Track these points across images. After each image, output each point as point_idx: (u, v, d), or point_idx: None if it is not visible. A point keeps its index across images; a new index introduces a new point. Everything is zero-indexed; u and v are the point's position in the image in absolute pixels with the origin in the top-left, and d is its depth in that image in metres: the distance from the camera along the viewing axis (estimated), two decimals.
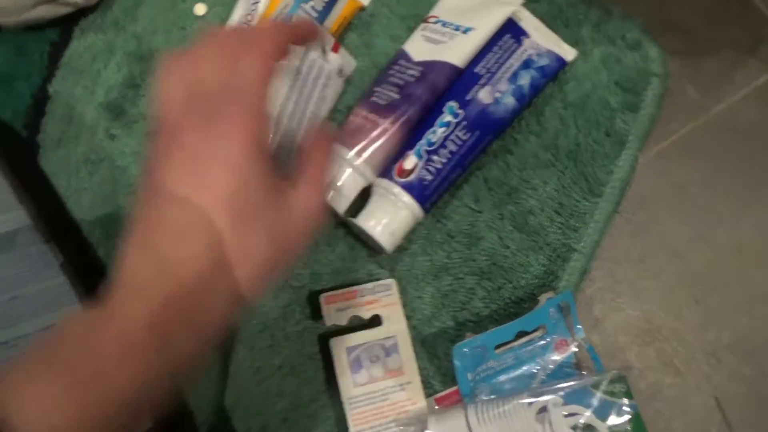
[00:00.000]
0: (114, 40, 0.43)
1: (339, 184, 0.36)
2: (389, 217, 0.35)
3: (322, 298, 0.36)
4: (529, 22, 0.38)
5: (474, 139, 0.36)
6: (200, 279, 0.22)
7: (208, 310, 0.23)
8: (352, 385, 0.35)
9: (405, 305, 0.37)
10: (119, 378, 0.20)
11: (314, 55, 0.37)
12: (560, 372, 0.34)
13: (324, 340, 0.37)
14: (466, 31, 0.37)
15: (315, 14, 0.39)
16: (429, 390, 0.36)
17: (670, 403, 0.35)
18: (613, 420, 0.32)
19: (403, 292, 0.37)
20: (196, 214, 0.23)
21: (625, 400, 0.32)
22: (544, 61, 0.37)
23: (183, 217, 0.23)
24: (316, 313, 0.38)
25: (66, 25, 0.44)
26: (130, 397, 0.20)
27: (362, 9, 0.41)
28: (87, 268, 0.37)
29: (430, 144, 0.36)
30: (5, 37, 0.44)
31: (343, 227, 0.39)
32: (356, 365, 0.35)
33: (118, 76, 0.42)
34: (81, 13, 0.43)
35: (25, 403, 0.18)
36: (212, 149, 0.23)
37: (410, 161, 0.35)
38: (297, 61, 0.36)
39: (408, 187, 0.35)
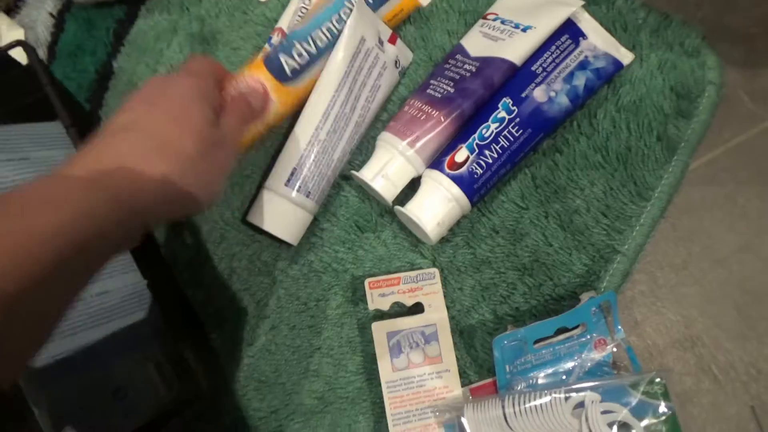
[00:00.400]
0: (178, 20, 0.44)
1: (389, 172, 0.37)
2: (437, 208, 0.36)
3: (367, 282, 0.37)
4: (587, 23, 0.38)
5: (526, 136, 0.36)
6: (135, 155, 0.27)
7: (142, 184, 0.27)
8: (390, 369, 0.36)
9: (445, 296, 0.38)
10: (52, 213, 0.23)
11: (370, 44, 0.38)
12: (597, 370, 0.35)
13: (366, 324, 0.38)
14: (525, 29, 0.37)
15: (370, 0, 0.40)
16: (464, 380, 0.37)
17: (706, 409, 0.35)
18: (649, 420, 0.32)
19: (443, 282, 0.38)
20: (141, 121, 0.29)
21: (663, 402, 0.32)
22: (600, 64, 0.37)
23: (128, 120, 0.29)
24: (358, 298, 0.39)
25: (133, 3, 0.45)
26: (65, 230, 0.23)
27: (420, 6, 0.42)
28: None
29: (483, 139, 0.36)
30: (75, 12, 0.46)
31: (389, 215, 0.40)
32: (396, 350, 0.36)
33: (180, 56, 0.44)
34: None
35: None
36: (164, 97, 0.30)
37: (462, 154, 0.36)
38: (353, 49, 0.37)
39: (458, 180, 0.36)
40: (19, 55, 0.40)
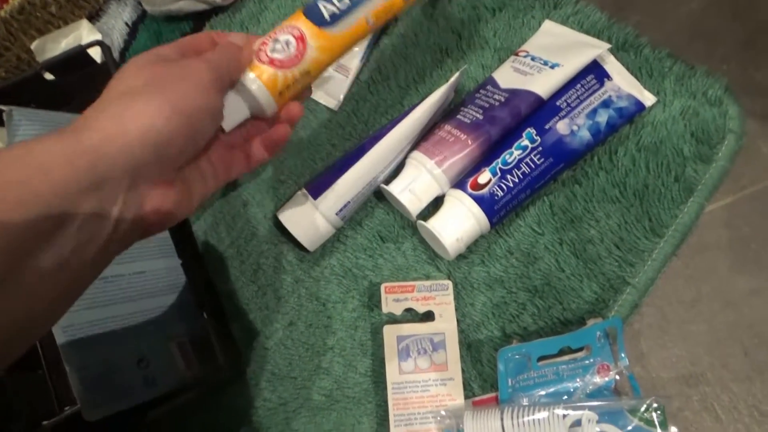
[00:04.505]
0: None
1: (416, 188, 0.39)
2: (458, 224, 0.38)
3: (383, 286, 0.39)
4: (613, 66, 0.41)
5: (547, 165, 0.39)
6: (108, 133, 0.25)
7: (114, 157, 0.24)
8: (397, 372, 0.37)
9: (456, 310, 0.39)
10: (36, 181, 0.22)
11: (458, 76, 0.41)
12: (598, 395, 0.35)
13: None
14: (553, 66, 0.40)
15: None
16: (467, 392, 0.38)
17: None
18: None
19: (456, 297, 0.40)
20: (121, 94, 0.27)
21: (660, 430, 0.32)
22: (623, 103, 0.40)
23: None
24: (374, 303, 0.41)
25: (199, 20, 0.50)
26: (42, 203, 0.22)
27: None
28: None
29: (506, 163, 0.38)
30: (148, 24, 0.51)
31: (410, 228, 0.42)
32: (404, 354, 0.38)
33: None
34: (213, 11, 0.50)
35: None
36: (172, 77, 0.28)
37: (485, 176, 0.38)
38: (435, 108, 0.40)
39: (479, 200, 0.38)
40: (95, 53, 0.44)
